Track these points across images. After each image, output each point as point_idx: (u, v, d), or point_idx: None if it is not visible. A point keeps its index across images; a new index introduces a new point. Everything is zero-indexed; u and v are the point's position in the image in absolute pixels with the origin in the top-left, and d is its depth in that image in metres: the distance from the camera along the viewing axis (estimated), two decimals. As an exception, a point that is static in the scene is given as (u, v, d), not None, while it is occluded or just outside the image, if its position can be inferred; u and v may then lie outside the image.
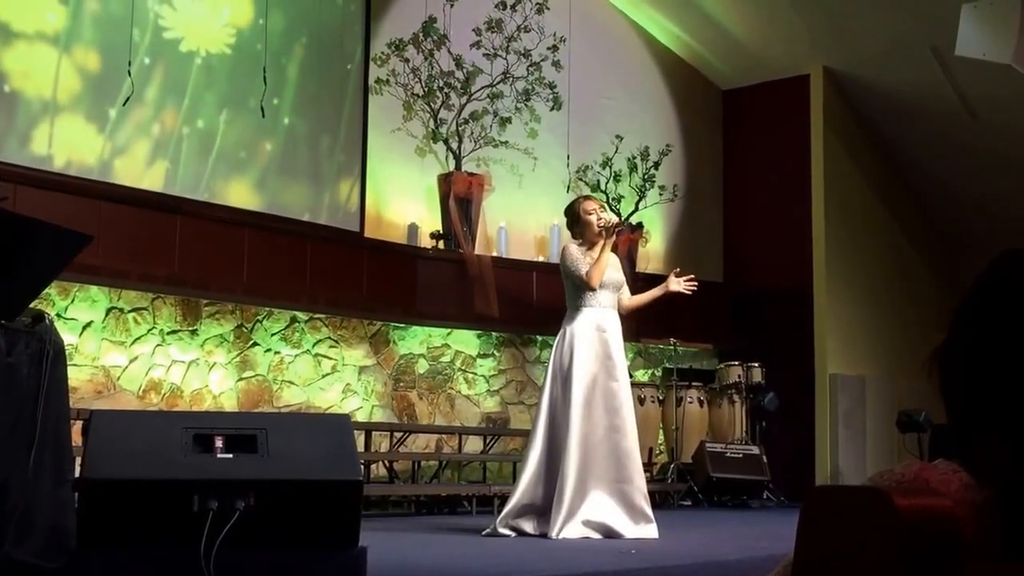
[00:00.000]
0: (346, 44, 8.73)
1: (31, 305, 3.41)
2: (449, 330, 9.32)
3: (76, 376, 6.88)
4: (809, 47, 10.37)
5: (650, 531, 5.61)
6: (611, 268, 5.93)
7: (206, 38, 7.79)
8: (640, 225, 10.17)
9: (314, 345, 8.50)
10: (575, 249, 5.96)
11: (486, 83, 9.45)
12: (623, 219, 6.10)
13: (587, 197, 6.42)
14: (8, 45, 6.84)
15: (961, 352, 1.31)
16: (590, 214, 6.00)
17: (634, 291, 6.26)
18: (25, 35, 6.90)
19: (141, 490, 3.27)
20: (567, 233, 9.59)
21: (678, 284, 6.12)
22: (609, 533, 5.54)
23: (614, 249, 6.08)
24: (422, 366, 9.16)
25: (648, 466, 9.14)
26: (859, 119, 10.89)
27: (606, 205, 6.55)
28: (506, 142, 9.61)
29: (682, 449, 9.47)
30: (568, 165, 9.90)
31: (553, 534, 5.45)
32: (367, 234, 8.66)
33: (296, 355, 8.38)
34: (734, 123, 11.35)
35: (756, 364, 9.84)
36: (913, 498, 1.20)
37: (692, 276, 6.19)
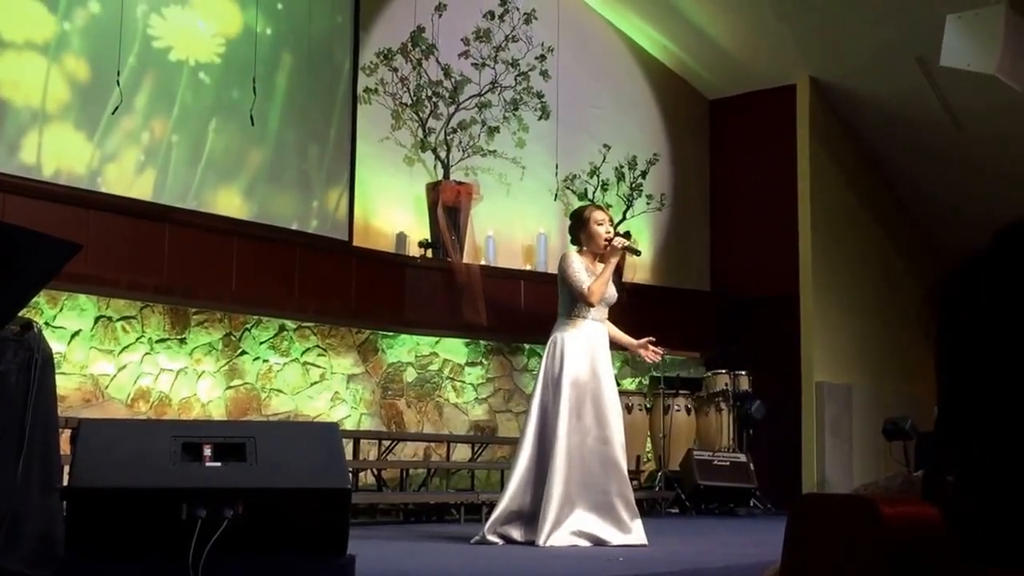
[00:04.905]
0: (335, 54, 8.74)
1: (19, 314, 3.41)
2: (437, 338, 9.33)
3: (64, 385, 6.87)
4: (795, 57, 10.42)
5: (638, 538, 5.61)
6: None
7: (195, 48, 7.80)
8: (627, 235, 10.18)
9: (302, 353, 8.49)
10: (577, 259, 5.87)
11: (474, 92, 9.47)
12: (629, 237, 6.02)
13: (597, 207, 6.28)
14: (-4, 54, 6.84)
15: (967, 322, 1.31)
16: (600, 225, 5.92)
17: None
18: (14, 44, 6.90)
19: (129, 499, 3.28)
20: (555, 242, 9.74)
21: (646, 351, 6.12)
22: (596, 541, 5.55)
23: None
24: (410, 374, 9.17)
25: (636, 474, 9.16)
26: (845, 129, 10.94)
27: (613, 218, 6.52)
28: (494, 151, 9.63)
29: (669, 457, 9.48)
30: (556, 174, 9.92)
31: (540, 541, 5.46)
32: (355, 243, 8.66)
33: (284, 363, 8.38)
34: (721, 132, 11.39)
35: (743, 372, 9.87)
36: (899, 506, 1.21)
37: (660, 351, 6.25)
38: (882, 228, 11.27)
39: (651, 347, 6.12)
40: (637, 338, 6.15)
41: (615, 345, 6.01)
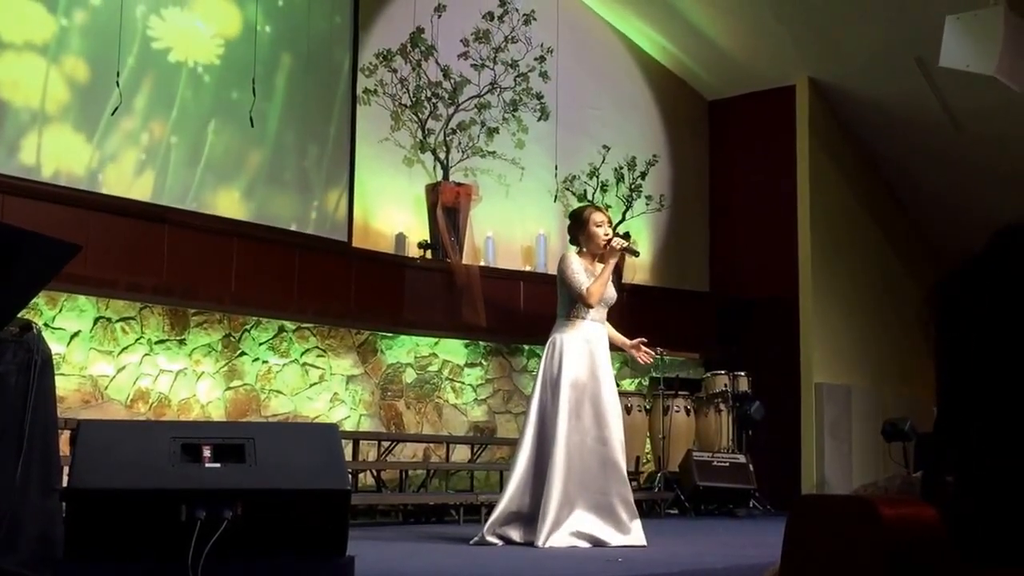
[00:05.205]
0: (334, 55, 8.74)
1: (19, 315, 3.41)
2: (436, 339, 9.33)
3: (64, 386, 6.86)
4: (794, 58, 10.42)
5: (637, 539, 5.62)
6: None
7: (195, 49, 7.80)
8: (627, 236, 10.20)
9: (302, 354, 8.49)
10: (576, 260, 5.87)
11: (473, 93, 9.48)
12: (629, 238, 6.05)
13: (596, 208, 6.28)
14: (-4, 54, 6.84)
15: (966, 327, 1.31)
16: (599, 226, 5.92)
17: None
18: (14, 45, 6.90)
19: (129, 500, 3.27)
20: (554, 243, 9.74)
21: (638, 352, 6.12)
22: (596, 542, 5.55)
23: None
24: (409, 375, 9.17)
25: (635, 475, 9.16)
26: (844, 130, 10.94)
27: (612, 219, 6.52)
28: (493, 152, 9.63)
29: (669, 458, 9.48)
30: (555, 175, 9.92)
31: (539, 542, 5.46)
32: (355, 244, 8.67)
33: (284, 364, 8.38)
34: (720, 133, 11.39)
35: (742, 373, 9.87)
36: (899, 507, 1.21)
37: (653, 353, 6.31)
38: (881, 229, 11.28)
39: (644, 348, 6.12)
40: (635, 339, 6.15)
41: (611, 345, 6.02)
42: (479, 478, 9.14)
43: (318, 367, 8.58)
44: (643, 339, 6.15)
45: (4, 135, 6.85)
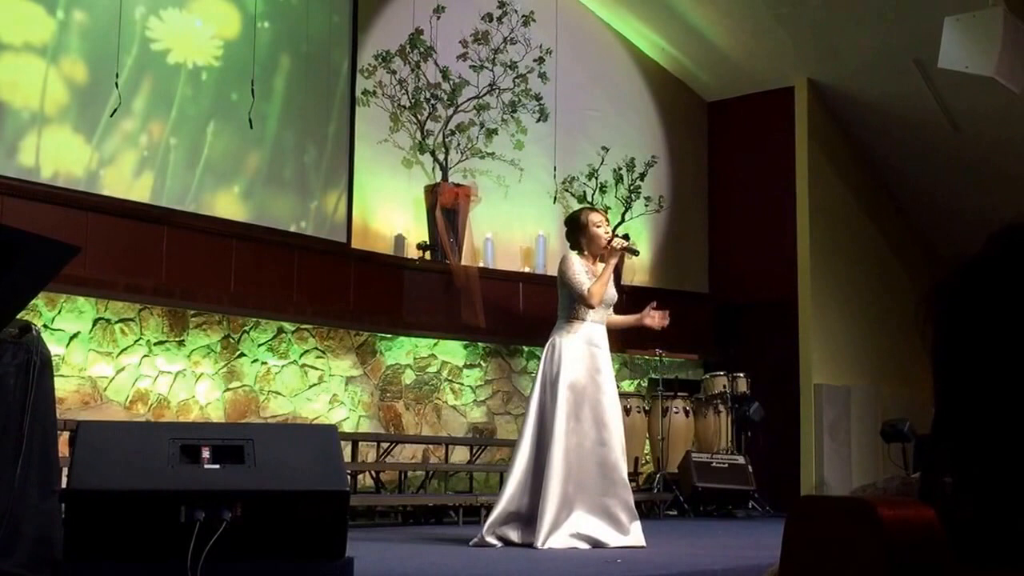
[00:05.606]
0: (333, 56, 8.74)
1: (18, 316, 3.41)
2: (436, 341, 9.33)
3: (63, 387, 6.86)
4: (794, 59, 10.42)
5: (636, 540, 5.62)
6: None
7: (194, 50, 7.80)
8: (626, 237, 10.18)
9: (301, 356, 8.49)
10: (577, 261, 5.86)
11: (472, 95, 9.47)
12: (628, 239, 6.04)
13: (592, 208, 6.29)
14: (-5, 56, 6.84)
15: (965, 333, 1.30)
16: (598, 226, 5.92)
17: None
18: (12, 46, 6.90)
19: (128, 501, 3.28)
20: (553, 244, 9.74)
21: (652, 319, 6.09)
22: (595, 543, 5.55)
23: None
24: (409, 376, 9.17)
25: (634, 476, 9.15)
26: (843, 131, 10.94)
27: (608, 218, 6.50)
28: (492, 153, 9.63)
29: (668, 459, 9.49)
30: (554, 176, 9.93)
31: (538, 544, 5.46)
32: (354, 245, 8.67)
33: (283, 365, 8.38)
34: (719, 135, 11.39)
35: (741, 374, 9.87)
36: (898, 508, 1.21)
37: (666, 312, 6.15)
38: (880, 230, 11.27)
39: (654, 314, 6.08)
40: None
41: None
42: (478, 479, 9.14)
43: (317, 368, 8.58)
44: (653, 303, 6.11)
45: (3, 136, 6.85)
